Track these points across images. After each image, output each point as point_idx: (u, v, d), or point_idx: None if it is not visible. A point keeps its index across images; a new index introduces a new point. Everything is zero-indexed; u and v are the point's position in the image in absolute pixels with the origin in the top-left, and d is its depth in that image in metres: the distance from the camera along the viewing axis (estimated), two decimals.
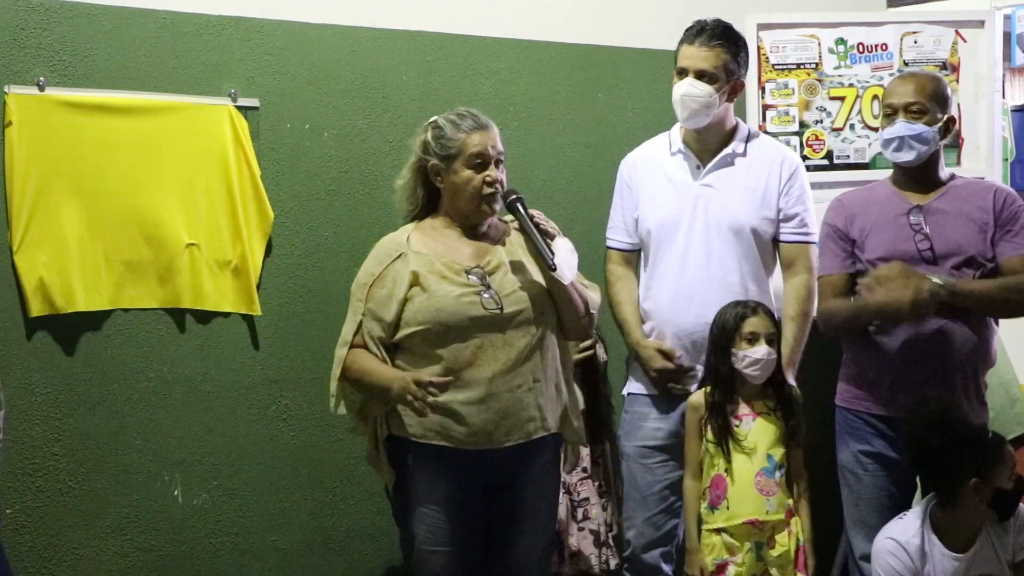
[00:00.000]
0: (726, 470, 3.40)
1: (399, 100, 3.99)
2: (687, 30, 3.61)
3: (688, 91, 3.56)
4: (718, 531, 3.39)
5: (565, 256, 3.19)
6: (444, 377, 3.10)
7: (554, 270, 3.17)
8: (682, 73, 3.58)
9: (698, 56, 3.56)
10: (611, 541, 3.92)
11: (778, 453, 3.38)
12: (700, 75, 3.55)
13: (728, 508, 3.37)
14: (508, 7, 4.21)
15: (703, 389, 3.49)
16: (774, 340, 3.41)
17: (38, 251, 3.46)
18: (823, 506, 4.20)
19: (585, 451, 3.79)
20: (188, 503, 3.71)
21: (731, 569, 3.36)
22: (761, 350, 3.37)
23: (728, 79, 3.57)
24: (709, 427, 3.44)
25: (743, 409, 3.43)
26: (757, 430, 3.40)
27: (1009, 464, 3.20)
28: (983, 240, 3.43)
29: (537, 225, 3.24)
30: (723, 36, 3.57)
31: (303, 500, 3.88)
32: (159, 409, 3.67)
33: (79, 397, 3.56)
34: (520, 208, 3.26)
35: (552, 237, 3.24)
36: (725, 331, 3.42)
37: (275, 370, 3.83)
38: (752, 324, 3.40)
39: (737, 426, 3.40)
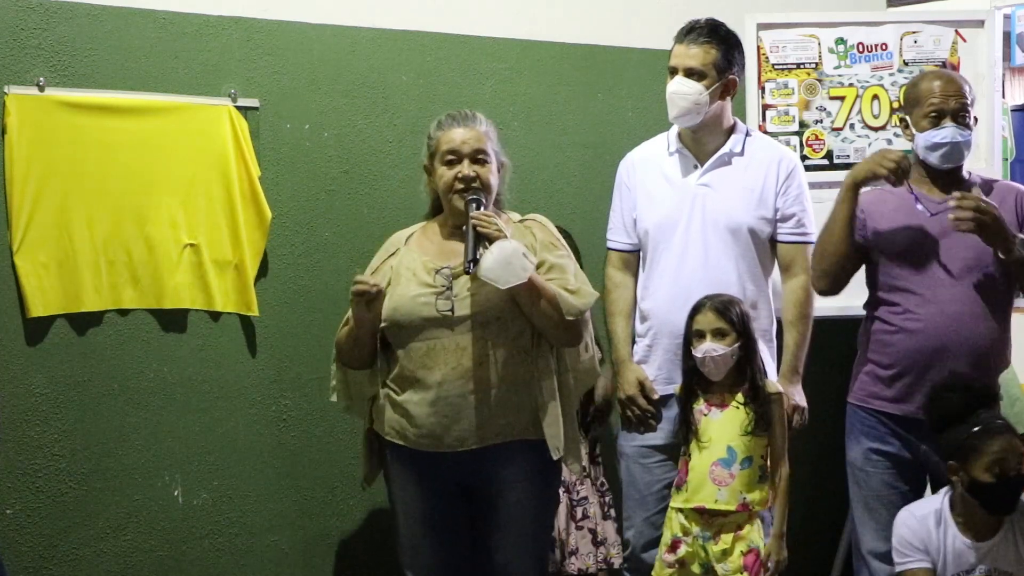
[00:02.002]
0: (689, 455, 3.42)
1: (399, 100, 3.99)
2: (679, 30, 3.62)
3: (677, 89, 3.56)
4: (677, 510, 3.41)
5: (505, 259, 3.05)
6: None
7: (468, 272, 3.12)
8: (673, 72, 3.59)
9: (687, 54, 3.57)
10: (612, 539, 3.92)
11: (741, 446, 3.37)
12: (689, 73, 3.55)
13: (686, 491, 3.40)
14: (508, 7, 4.21)
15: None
16: (725, 334, 3.36)
17: (38, 251, 3.46)
18: (823, 505, 4.21)
19: (584, 450, 3.79)
20: (188, 503, 3.71)
21: (682, 548, 3.39)
22: (703, 347, 3.36)
23: (719, 77, 3.56)
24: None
25: (708, 402, 3.42)
26: (719, 423, 3.40)
27: (988, 456, 3.13)
28: None
29: (475, 227, 3.13)
30: (712, 34, 3.57)
31: (303, 500, 3.88)
32: (159, 410, 3.67)
33: (79, 397, 3.56)
34: (470, 208, 3.18)
35: (493, 239, 3.11)
36: (685, 328, 3.44)
37: (275, 370, 3.83)
38: (698, 321, 3.39)
39: (706, 414, 3.41)
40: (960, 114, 3.39)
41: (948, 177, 3.47)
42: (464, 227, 3.18)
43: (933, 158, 3.44)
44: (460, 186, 3.20)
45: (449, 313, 3.15)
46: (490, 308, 3.17)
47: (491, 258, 3.06)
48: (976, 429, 3.17)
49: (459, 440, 3.16)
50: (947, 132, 3.39)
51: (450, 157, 3.22)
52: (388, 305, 3.19)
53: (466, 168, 3.21)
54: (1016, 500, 3.20)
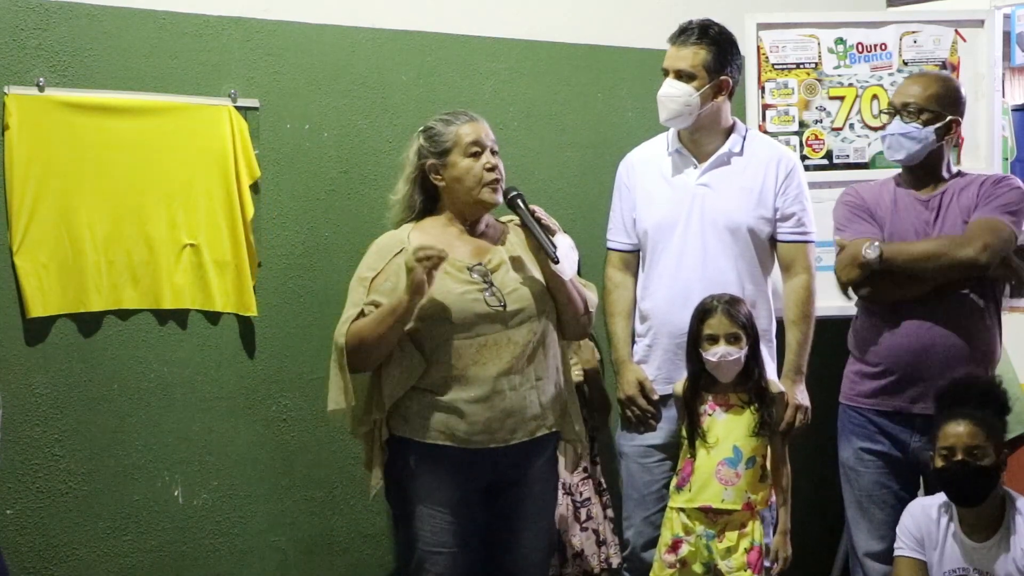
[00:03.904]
0: (694, 455, 3.42)
1: (399, 100, 3.99)
2: (672, 32, 3.62)
3: (666, 91, 3.58)
4: (679, 510, 3.41)
5: (566, 252, 3.20)
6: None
7: (556, 263, 3.17)
8: (666, 74, 3.60)
9: (676, 56, 3.58)
10: (611, 538, 3.92)
11: (747, 446, 3.37)
12: (679, 75, 3.56)
13: (690, 491, 3.40)
14: (508, 7, 4.21)
15: (684, 379, 3.50)
16: (739, 338, 3.37)
17: (38, 251, 3.46)
18: (823, 505, 4.21)
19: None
20: (188, 503, 3.72)
21: (684, 548, 3.39)
22: (717, 351, 3.36)
23: (710, 78, 3.56)
24: (682, 417, 3.48)
25: (713, 402, 3.42)
26: (725, 423, 3.40)
27: (940, 441, 3.17)
28: None
29: (539, 220, 3.25)
30: (702, 35, 3.57)
31: (303, 500, 3.88)
32: (159, 409, 3.67)
33: (79, 397, 3.56)
34: (521, 203, 3.26)
35: (553, 233, 3.25)
36: (691, 329, 3.43)
37: (275, 371, 3.83)
38: (711, 326, 3.39)
39: (711, 415, 3.41)
40: (907, 107, 3.48)
41: (929, 176, 3.53)
42: (520, 223, 3.28)
43: (885, 152, 3.57)
44: (491, 177, 3.23)
45: (501, 308, 3.17)
46: (535, 301, 3.24)
47: (563, 251, 3.19)
48: (942, 416, 3.20)
49: (511, 432, 3.20)
50: (890, 127, 3.52)
51: (476, 149, 3.24)
52: (434, 304, 3.16)
53: (492, 158, 3.25)
54: (968, 489, 3.18)
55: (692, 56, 3.56)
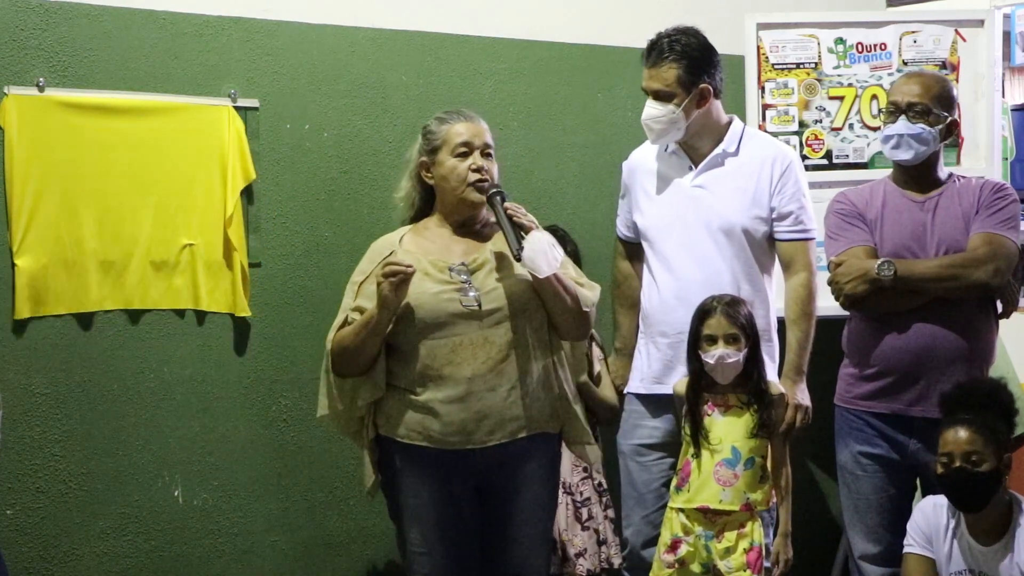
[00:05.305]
0: (694, 455, 3.41)
1: (399, 101, 3.99)
2: (643, 52, 3.61)
3: (648, 114, 3.57)
4: (678, 510, 3.41)
5: (542, 248, 3.11)
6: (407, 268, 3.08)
7: (518, 260, 3.12)
8: (647, 94, 3.59)
9: (650, 78, 3.58)
10: (611, 538, 3.92)
11: (746, 447, 3.37)
12: (656, 95, 3.56)
13: (688, 491, 3.40)
14: (508, 7, 4.21)
15: (685, 378, 3.49)
16: (737, 339, 3.36)
17: (38, 251, 3.46)
18: (823, 506, 4.22)
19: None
20: (188, 503, 3.72)
21: (683, 548, 3.39)
22: (715, 353, 3.35)
23: (687, 91, 3.54)
24: (684, 418, 3.47)
25: (712, 403, 3.42)
26: (725, 424, 3.40)
27: (941, 447, 3.16)
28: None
29: (511, 217, 3.18)
30: (670, 51, 3.54)
31: (303, 500, 3.88)
32: (159, 410, 3.67)
33: (79, 398, 3.56)
34: (497, 200, 3.22)
35: (527, 231, 3.17)
36: (691, 330, 3.43)
37: (274, 370, 3.83)
38: (710, 326, 3.38)
39: (710, 416, 3.40)
40: (913, 107, 3.46)
41: (925, 178, 3.51)
42: (494, 219, 3.23)
43: (886, 151, 3.53)
44: (475, 177, 3.21)
45: (476, 307, 3.16)
46: (516, 300, 3.19)
47: (531, 248, 3.11)
48: (943, 421, 3.20)
49: (488, 434, 3.16)
50: (896, 127, 3.47)
51: (463, 149, 3.22)
52: (407, 304, 3.15)
53: (479, 159, 3.22)
54: (967, 496, 3.18)
55: (663, 76, 3.55)
